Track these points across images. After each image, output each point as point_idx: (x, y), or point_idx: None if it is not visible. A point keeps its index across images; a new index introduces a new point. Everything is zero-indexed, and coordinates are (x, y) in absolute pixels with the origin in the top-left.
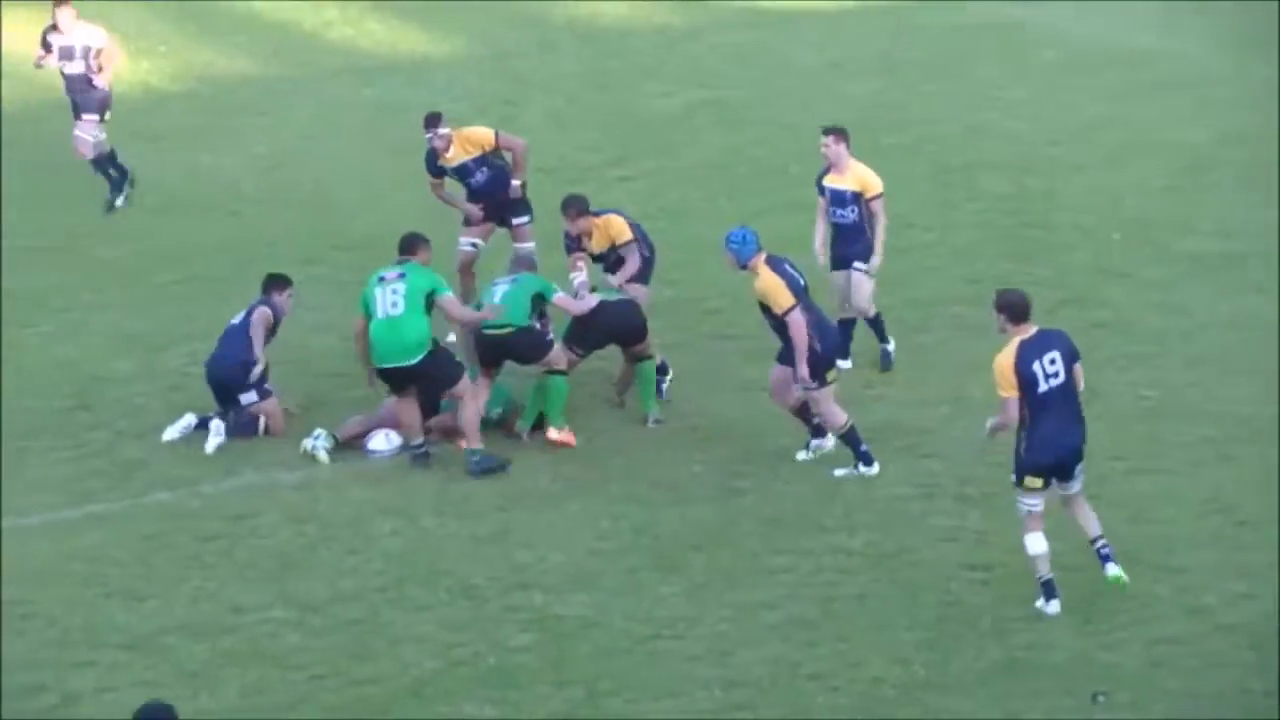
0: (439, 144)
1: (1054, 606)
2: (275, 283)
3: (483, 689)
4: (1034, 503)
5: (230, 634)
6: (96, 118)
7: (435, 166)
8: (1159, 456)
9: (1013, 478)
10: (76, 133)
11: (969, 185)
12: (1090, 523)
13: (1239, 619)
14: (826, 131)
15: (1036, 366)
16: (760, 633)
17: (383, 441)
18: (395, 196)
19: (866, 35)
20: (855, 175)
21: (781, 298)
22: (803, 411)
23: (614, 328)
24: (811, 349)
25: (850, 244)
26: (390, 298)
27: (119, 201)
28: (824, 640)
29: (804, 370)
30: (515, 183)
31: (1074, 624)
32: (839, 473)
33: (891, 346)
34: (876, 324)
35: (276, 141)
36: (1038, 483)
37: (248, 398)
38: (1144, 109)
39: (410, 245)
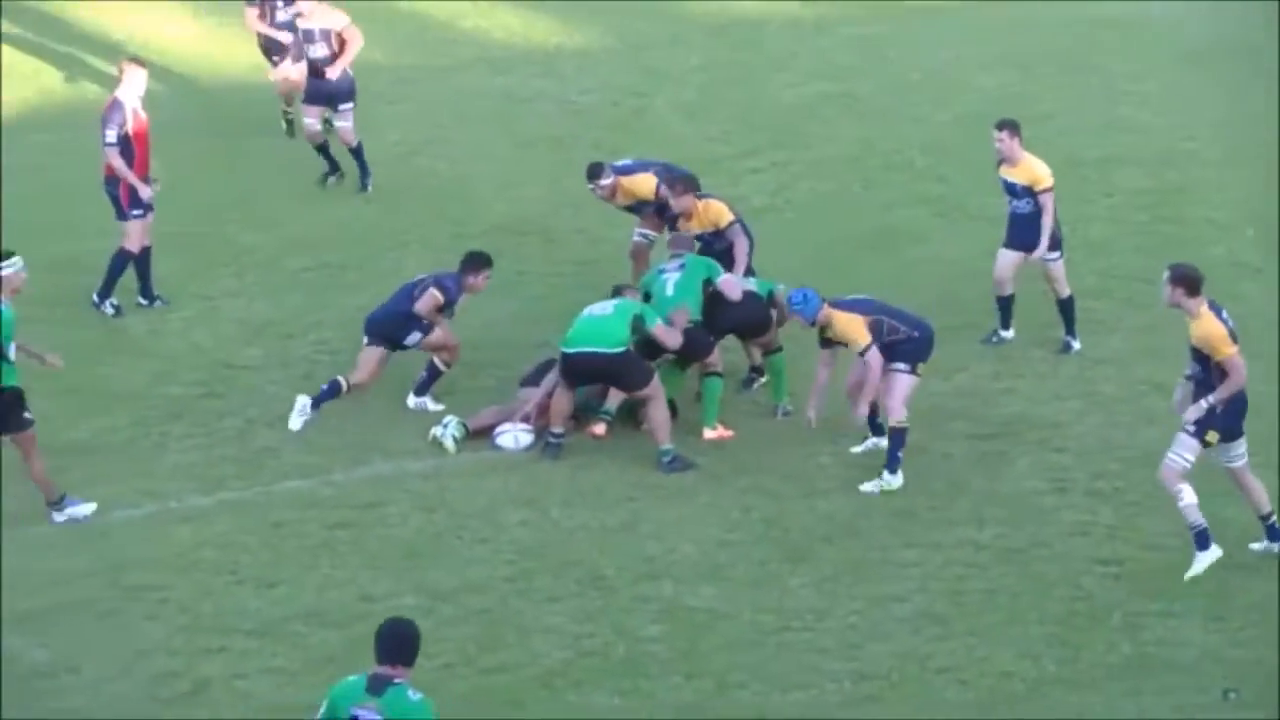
0: (601, 194)
1: (1214, 551)
2: (473, 262)
3: (612, 679)
4: (1193, 460)
5: (360, 621)
6: (322, 106)
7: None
8: None
9: (1191, 428)
10: (338, 123)
11: (1103, 179)
12: (1262, 497)
13: None
14: (999, 125)
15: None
16: (889, 626)
17: (510, 441)
18: (525, 186)
19: (992, 29)
20: (1026, 168)
21: (858, 335)
22: (871, 418)
23: (741, 319)
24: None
25: (1024, 231)
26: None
27: (368, 185)
28: (953, 634)
29: (863, 410)
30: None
31: (1204, 621)
32: (865, 488)
33: (1077, 344)
34: (1067, 310)
35: (409, 130)
36: (1214, 438)
37: (412, 339)
38: (1270, 103)
39: None
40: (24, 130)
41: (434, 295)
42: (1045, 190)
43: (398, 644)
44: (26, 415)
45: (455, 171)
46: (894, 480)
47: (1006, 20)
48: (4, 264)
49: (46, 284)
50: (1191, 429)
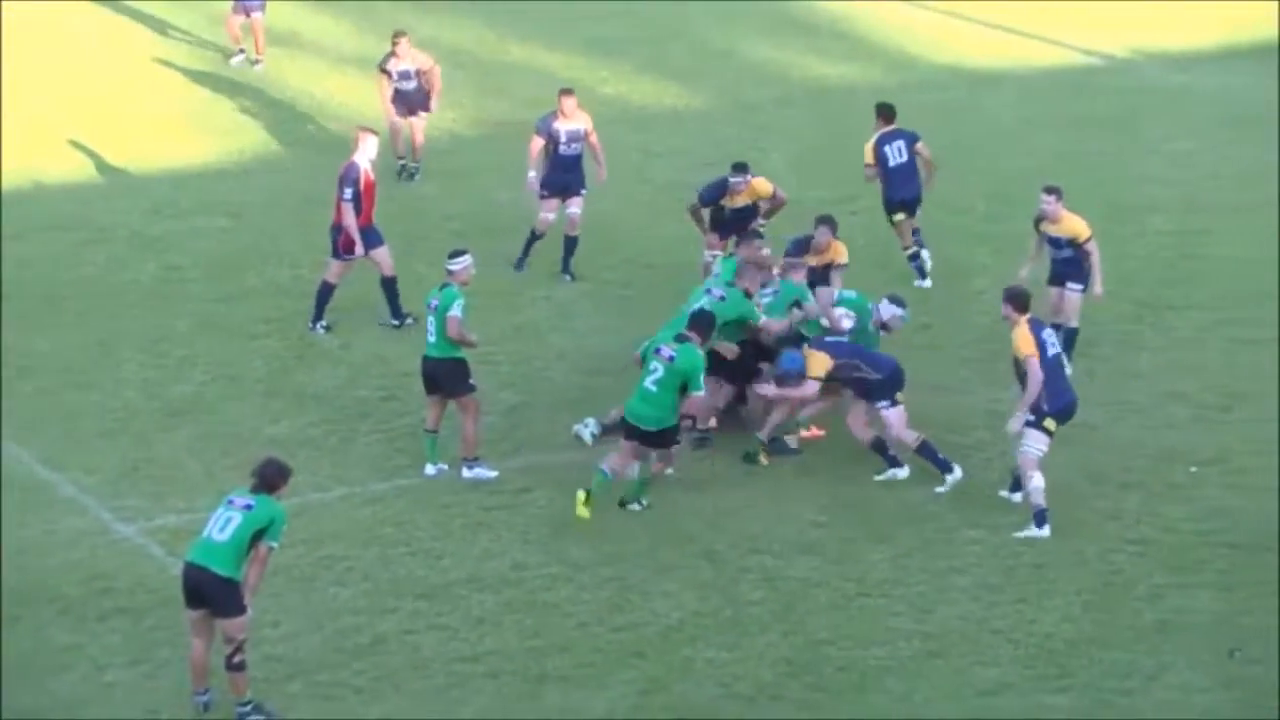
0: (740, 187)
1: (1046, 531)
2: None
3: (720, 636)
4: (1044, 447)
5: (512, 587)
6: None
7: (713, 198)
8: None
9: (1030, 418)
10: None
11: (1137, 222)
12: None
13: None
14: (1048, 190)
15: (887, 149)
16: (953, 594)
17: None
18: (658, 226)
19: (1054, 94)
20: (1068, 225)
21: (814, 369)
22: (879, 445)
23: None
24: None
25: (1064, 271)
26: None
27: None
28: (1006, 601)
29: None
30: (759, 219)
31: (1215, 592)
32: (939, 490)
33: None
34: (1070, 336)
35: None
36: (1053, 425)
37: None
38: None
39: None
40: (257, 174)
41: None
42: (1088, 240)
43: (267, 477)
44: (471, 382)
45: (601, 213)
46: (953, 476)
47: (1066, 87)
48: (457, 260)
49: (258, 306)
50: (1032, 419)
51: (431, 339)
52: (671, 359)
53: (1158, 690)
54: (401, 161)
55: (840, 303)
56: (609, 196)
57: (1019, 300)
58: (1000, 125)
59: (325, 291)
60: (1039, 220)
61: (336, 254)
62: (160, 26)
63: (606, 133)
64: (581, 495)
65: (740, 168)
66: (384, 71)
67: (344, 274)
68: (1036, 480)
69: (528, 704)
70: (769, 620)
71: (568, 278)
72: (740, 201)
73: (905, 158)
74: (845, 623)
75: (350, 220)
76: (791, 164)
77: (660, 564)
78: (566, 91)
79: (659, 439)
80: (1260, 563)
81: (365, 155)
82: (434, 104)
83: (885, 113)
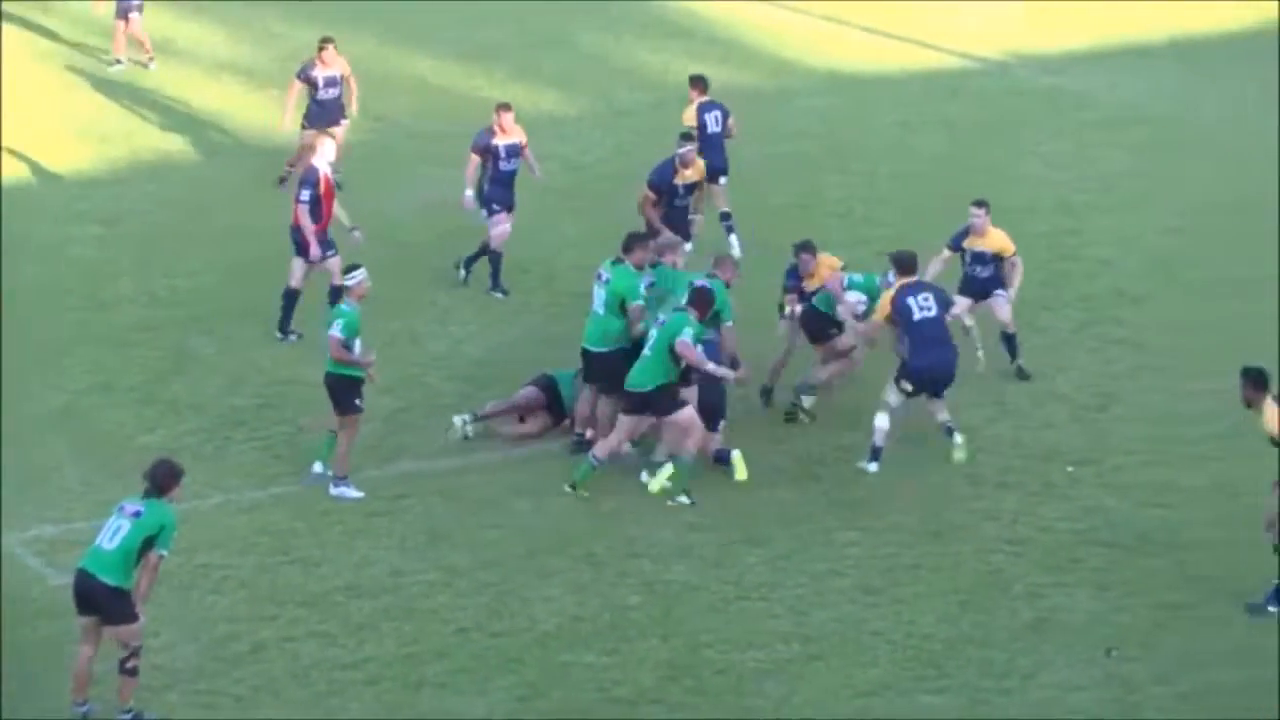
0: (690, 156)
1: (874, 467)
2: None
3: (599, 641)
4: (897, 401)
5: (390, 593)
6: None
7: (665, 177)
8: (1168, 451)
9: (894, 375)
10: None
11: (1012, 224)
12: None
13: (1235, 587)
14: (977, 204)
15: (911, 301)
16: (831, 596)
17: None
18: (536, 231)
19: (929, 98)
20: (994, 239)
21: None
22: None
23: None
24: None
25: (986, 285)
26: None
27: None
28: (884, 603)
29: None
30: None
31: (1091, 591)
32: (870, 467)
33: (1022, 362)
34: (1011, 341)
35: (444, 188)
36: (909, 388)
37: None
38: (1163, 163)
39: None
40: (133, 182)
41: None
42: (1013, 254)
43: (159, 478)
44: (358, 403)
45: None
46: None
47: (943, 89)
48: (353, 275)
49: (133, 315)
50: (894, 377)
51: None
52: (662, 324)
53: (1034, 689)
54: (290, 170)
55: (850, 287)
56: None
57: (901, 263)
58: (877, 129)
59: (289, 297)
60: (963, 235)
61: (303, 254)
62: (37, 31)
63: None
64: (568, 488)
65: (687, 136)
66: (308, 79)
67: (307, 277)
68: (879, 421)
69: (406, 710)
70: (648, 624)
71: (500, 294)
72: (691, 176)
73: (719, 128)
74: (724, 626)
75: (306, 223)
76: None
77: (538, 569)
78: (504, 106)
79: (659, 400)
80: (1135, 561)
81: (323, 159)
82: (354, 109)
83: (700, 84)
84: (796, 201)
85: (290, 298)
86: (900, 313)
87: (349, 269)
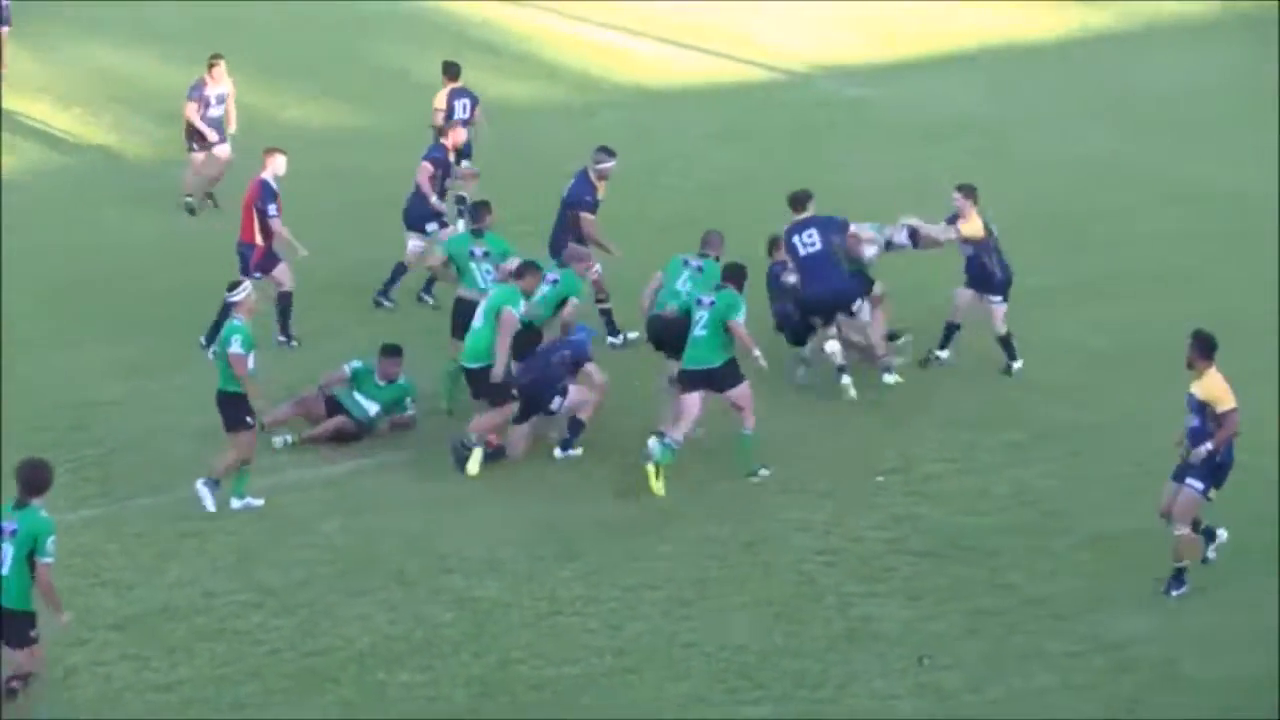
0: (610, 170)
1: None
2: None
3: (413, 659)
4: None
5: (203, 615)
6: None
7: (593, 196)
8: (977, 459)
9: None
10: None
11: None
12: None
13: (1043, 593)
14: (959, 188)
15: (796, 240)
16: (644, 609)
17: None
18: (337, 249)
19: (736, 111)
20: (971, 224)
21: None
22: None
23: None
24: None
25: (976, 276)
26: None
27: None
28: (697, 614)
29: None
30: None
31: (903, 599)
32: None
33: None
34: (1005, 344)
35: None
36: (817, 320)
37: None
38: (966, 169)
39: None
40: None
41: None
42: (983, 239)
43: (31, 480)
44: (248, 420)
45: None
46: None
47: (751, 102)
48: (238, 291)
49: None
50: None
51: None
52: (712, 303)
53: (849, 698)
54: (189, 198)
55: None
56: (286, 218)
57: (798, 200)
58: (685, 142)
59: (285, 302)
60: (953, 219)
61: (247, 270)
62: None
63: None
64: (651, 469)
65: (609, 151)
66: (201, 98)
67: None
68: (828, 346)
69: None
70: (461, 641)
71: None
72: (603, 189)
73: (467, 115)
74: (538, 641)
75: (281, 230)
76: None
77: (351, 588)
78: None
79: (725, 375)
80: (946, 569)
81: (273, 172)
82: (233, 127)
83: (452, 70)
84: (603, 214)
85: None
86: (789, 250)
87: (233, 285)
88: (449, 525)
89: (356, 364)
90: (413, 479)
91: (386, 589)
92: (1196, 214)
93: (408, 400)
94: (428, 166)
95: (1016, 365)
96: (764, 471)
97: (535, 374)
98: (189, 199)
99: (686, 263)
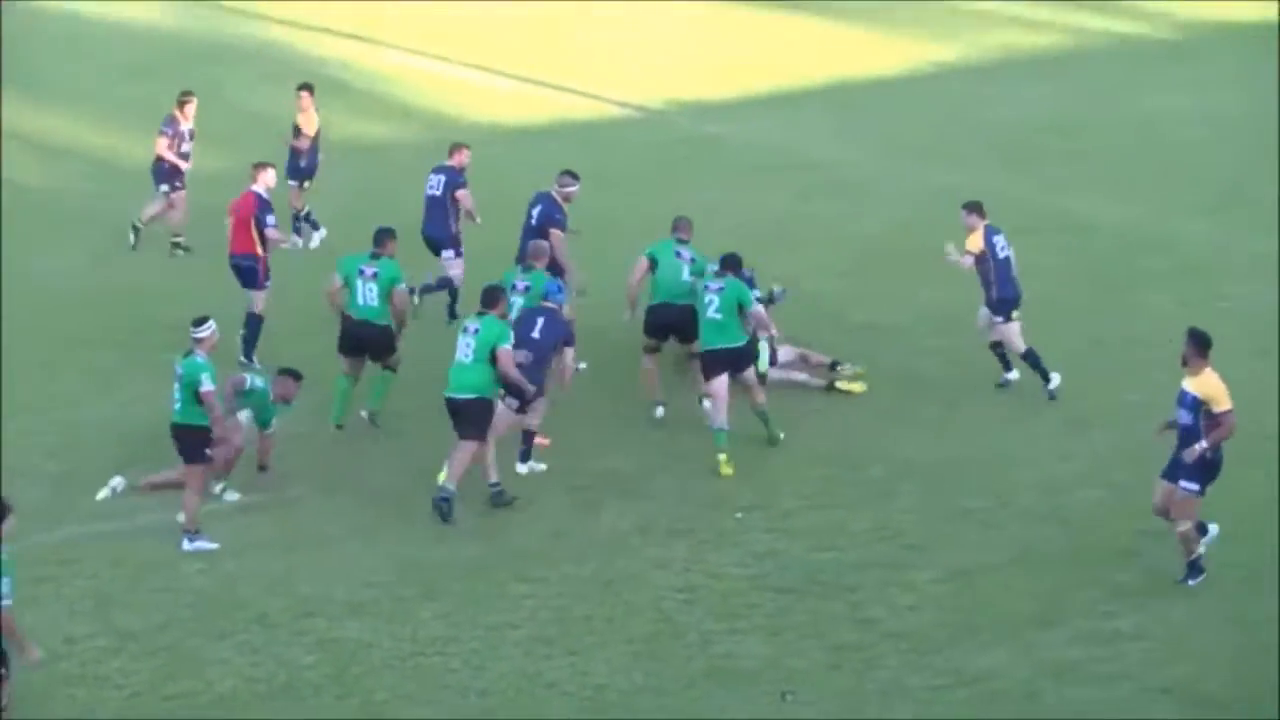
0: (575, 195)
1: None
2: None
3: (275, 702)
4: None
5: (62, 660)
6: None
7: (561, 215)
8: (836, 494)
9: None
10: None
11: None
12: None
13: (904, 627)
14: (964, 206)
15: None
16: (507, 649)
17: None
18: (199, 291)
19: (590, 148)
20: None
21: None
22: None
23: None
24: None
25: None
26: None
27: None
28: (558, 654)
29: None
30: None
31: (764, 636)
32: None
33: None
34: (1029, 354)
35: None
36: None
37: None
38: (823, 205)
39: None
40: None
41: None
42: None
43: None
44: (207, 452)
45: (138, 280)
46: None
47: (605, 140)
48: (203, 328)
49: None
50: None
51: (177, 405)
52: (720, 289)
53: None
54: (177, 239)
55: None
56: (146, 264)
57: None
58: (540, 181)
59: (254, 324)
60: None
61: (255, 284)
62: None
63: (142, 199)
64: (723, 457)
65: (573, 174)
66: (176, 133)
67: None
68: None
69: None
70: (323, 683)
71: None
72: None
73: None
74: (400, 682)
75: (278, 239)
76: (328, 222)
77: (212, 631)
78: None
79: (745, 355)
80: (806, 604)
81: (264, 185)
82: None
83: (308, 89)
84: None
85: (256, 324)
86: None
87: (198, 321)
88: (310, 566)
89: (259, 381)
90: (273, 520)
91: (248, 631)
92: (1045, 245)
93: (273, 421)
94: (558, 233)
95: (1052, 384)
96: (781, 435)
97: (536, 354)
98: (177, 239)
99: (679, 254)
